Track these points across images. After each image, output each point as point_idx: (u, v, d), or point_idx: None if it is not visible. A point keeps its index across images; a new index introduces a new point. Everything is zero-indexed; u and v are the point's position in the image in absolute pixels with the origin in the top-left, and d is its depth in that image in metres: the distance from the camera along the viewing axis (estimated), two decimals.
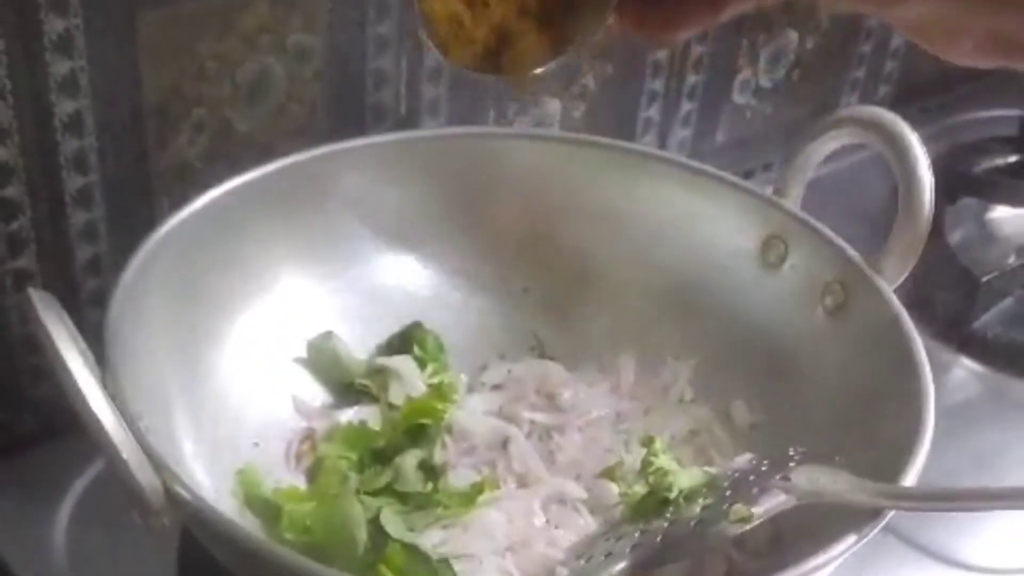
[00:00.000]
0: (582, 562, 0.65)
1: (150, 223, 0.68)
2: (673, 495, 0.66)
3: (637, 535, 0.64)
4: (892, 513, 0.58)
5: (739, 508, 0.61)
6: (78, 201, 0.73)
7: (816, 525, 0.60)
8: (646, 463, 0.70)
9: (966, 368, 0.93)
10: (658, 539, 0.63)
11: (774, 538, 0.68)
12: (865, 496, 0.60)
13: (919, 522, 0.78)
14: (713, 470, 0.69)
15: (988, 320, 0.94)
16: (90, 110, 0.71)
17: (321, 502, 0.67)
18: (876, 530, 0.58)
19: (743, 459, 0.71)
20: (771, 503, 0.62)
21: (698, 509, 0.64)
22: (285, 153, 0.74)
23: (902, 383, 0.65)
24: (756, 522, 0.62)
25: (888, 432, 0.64)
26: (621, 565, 0.63)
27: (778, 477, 0.62)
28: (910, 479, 0.59)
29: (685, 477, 0.67)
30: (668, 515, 0.65)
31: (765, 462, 0.66)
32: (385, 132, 0.81)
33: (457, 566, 0.65)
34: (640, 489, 0.68)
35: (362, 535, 0.65)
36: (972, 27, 0.49)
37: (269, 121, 0.79)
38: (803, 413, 0.72)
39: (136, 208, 0.76)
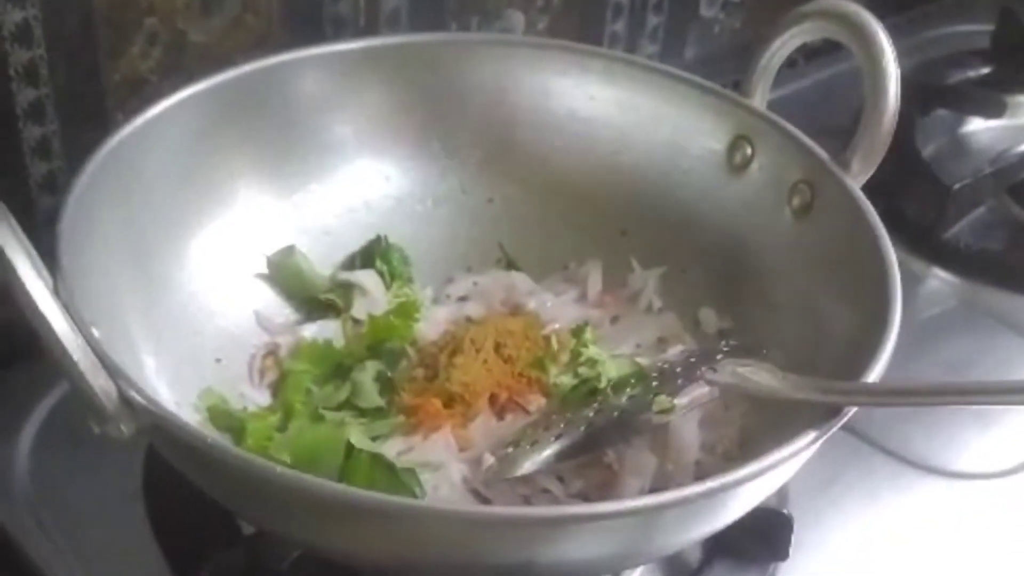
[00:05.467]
0: (509, 450, 0.65)
1: (105, 139, 0.66)
2: (602, 385, 0.67)
3: (562, 425, 0.65)
4: (852, 412, 0.58)
5: (662, 399, 0.64)
6: (30, 115, 0.72)
7: (785, 429, 0.59)
8: (576, 353, 0.70)
9: (938, 278, 0.93)
10: (582, 428, 0.65)
11: (743, 442, 0.68)
12: (785, 387, 0.61)
13: (895, 430, 0.78)
14: (643, 361, 0.70)
15: (960, 229, 0.94)
16: (39, 20, 0.70)
17: (296, 431, 0.66)
18: (835, 428, 0.57)
19: (674, 351, 0.72)
20: (695, 394, 0.64)
21: (624, 399, 0.65)
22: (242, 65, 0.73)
23: (869, 277, 0.64)
24: (679, 413, 0.64)
25: (856, 330, 0.64)
26: (546, 452, 0.64)
27: (703, 369, 0.64)
28: (875, 375, 0.59)
29: (614, 367, 0.69)
30: (595, 405, 0.66)
31: (694, 355, 0.67)
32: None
33: (422, 474, 0.64)
34: (569, 380, 0.69)
35: (337, 462, 0.64)
36: None
37: (225, 33, 0.77)
38: (772, 316, 0.72)
39: (90, 123, 0.75)
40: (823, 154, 0.71)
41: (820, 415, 0.57)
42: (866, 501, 0.74)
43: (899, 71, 0.68)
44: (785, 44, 0.73)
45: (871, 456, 0.77)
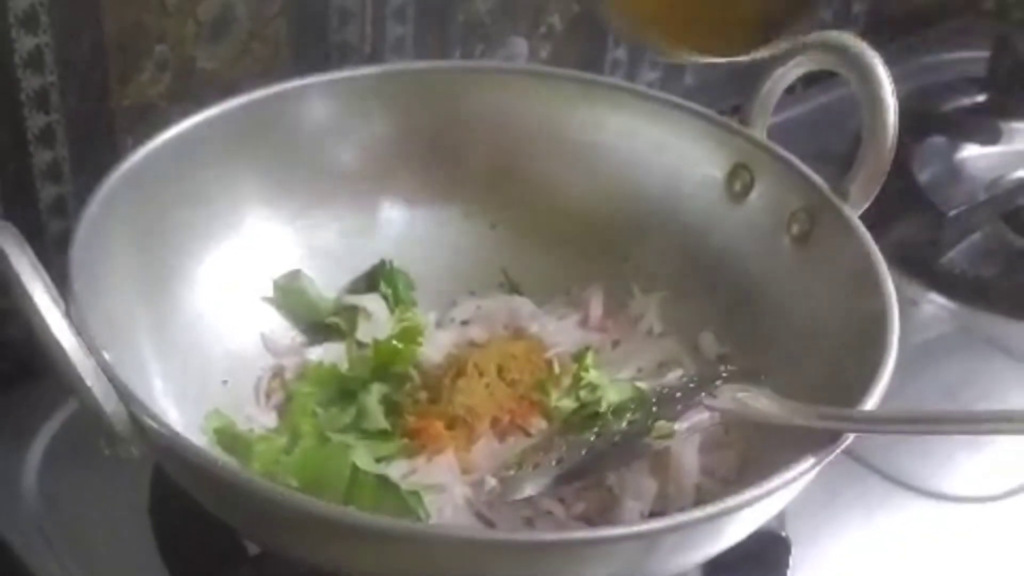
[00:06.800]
0: (511, 472, 0.66)
1: (114, 163, 0.67)
2: (602, 409, 0.68)
3: (564, 448, 0.66)
4: (851, 438, 0.58)
5: (662, 424, 0.64)
6: (41, 140, 0.73)
7: (784, 454, 0.59)
8: (577, 377, 0.71)
9: (934, 303, 0.93)
10: (583, 452, 0.65)
11: (742, 466, 0.69)
12: (784, 413, 0.61)
13: (891, 453, 0.78)
14: (643, 385, 0.71)
15: (956, 255, 0.95)
16: (51, 47, 0.70)
17: (302, 453, 0.67)
18: (835, 453, 0.58)
19: (673, 376, 0.73)
20: (694, 420, 0.64)
21: (625, 424, 0.66)
22: (249, 92, 0.74)
23: (867, 306, 0.65)
24: (679, 438, 0.64)
25: (854, 357, 0.64)
26: (547, 476, 0.64)
27: (702, 395, 0.64)
28: (872, 402, 0.59)
29: (614, 391, 0.69)
30: (595, 429, 0.66)
31: (694, 380, 0.68)
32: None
33: (426, 497, 0.65)
34: (570, 403, 0.70)
35: (343, 484, 0.65)
36: None
37: (233, 59, 0.78)
38: (771, 342, 0.73)
39: (100, 148, 0.75)
40: (822, 183, 0.72)
41: (819, 440, 0.58)
42: (863, 523, 0.75)
43: (897, 102, 0.69)
44: (784, 75, 0.74)
45: (867, 478, 0.77)
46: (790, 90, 0.77)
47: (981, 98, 1.06)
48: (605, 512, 0.66)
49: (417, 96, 0.78)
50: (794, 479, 0.56)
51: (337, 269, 0.78)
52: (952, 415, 0.61)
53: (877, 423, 0.60)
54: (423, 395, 0.71)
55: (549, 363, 0.74)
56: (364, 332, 0.75)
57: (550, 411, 0.71)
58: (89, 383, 0.55)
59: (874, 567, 0.73)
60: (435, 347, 0.75)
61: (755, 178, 0.75)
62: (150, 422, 0.55)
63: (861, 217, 0.71)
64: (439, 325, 0.78)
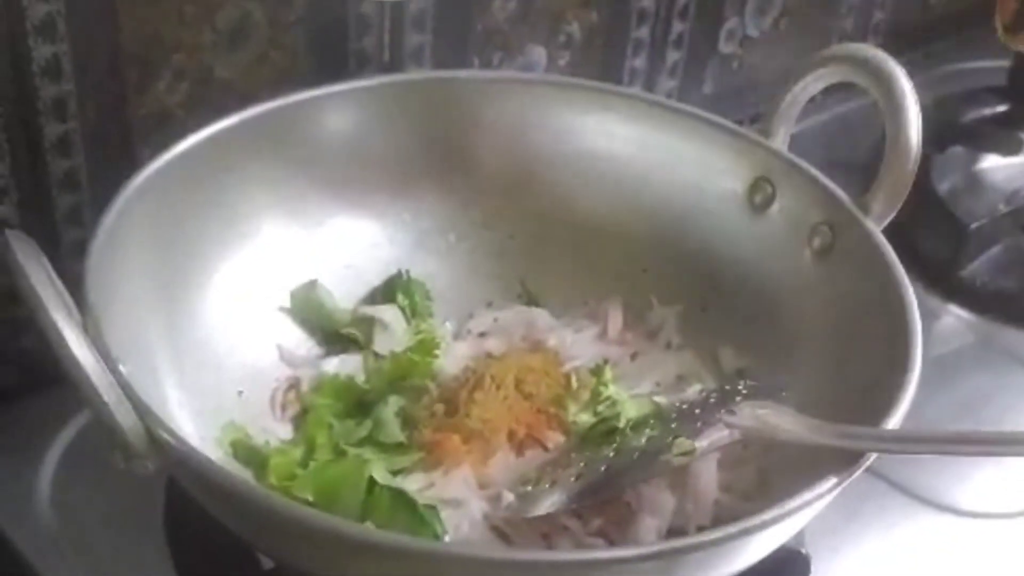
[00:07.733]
0: (529, 488, 0.65)
1: (131, 172, 0.67)
2: (621, 425, 0.67)
3: (582, 464, 0.65)
4: (874, 457, 0.58)
5: (682, 441, 0.63)
6: (57, 148, 0.72)
7: (804, 469, 0.59)
8: (595, 392, 0.70)
9: (955, 316, 0.93)
10: (602, 469, 0.64)
11: (762, 482, 0.68)
12: (805, 432, 0.61)
13: (910, 468, 0.78)
14: (662, 400, 0.70)
15: (977, 268, 0.94)
16: (68, 55, 0.70)
17: (318, 466, 0.67)
18: (857, 473, 0.57)
19: (692, 391, 0.72)
20: (714, 437, 0.63)
21: (644, 440, 0.65)
22: (267, 101, 0.74)
23: (889, 323, 0.65)
24: (698, 456, 0.63)
25: (875, 373, 0.64)
26: (565, 492, 0.63)
27: (722, 412, 0.63)
28: (895, 420, 0.59)
29: (633, 407, 0.69)
30: (614, 445, 0.66)
31: (713, 395, 0.67)
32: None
33: (443, 511, 0.64)
34: (588, 418, 0.69)
35: (359, 498, 0.65)
36: None
37: (250, 68, 0.78)
38: (791, 356, 0.72)
39: (117, 157, 0.75)
40: (844, 197, 0.71)
41: (840, 458, 0.57)
42: (881, 538, 0.74)
43: (920, 116, 0.68)
44: (806, 88, 0.73)
45: (885, 493, 0.77)
46: (809, 100, 0.76)
47: (1002, 108, 1.05)
48: (623, 527, 0.65)
49: (435, 105, 0.78)
50: (815, 499, 0.55)
51: (354, 280, 0.78)
52: (975, 435, 0.60)
53: (899, 442, 0.59)
54: (440, 408, 0.71)
55: (567, 376, 0.73)
56: (381, 344, 0.75)
57: (568, 425, 0.70)
58: (105, 398, 0.54)
59: None
60: (452, 359, 0.74)
61: (776, 191, 0.75)
62: (167, 437, 0.55)
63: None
64: (456, 337, 0.78)
